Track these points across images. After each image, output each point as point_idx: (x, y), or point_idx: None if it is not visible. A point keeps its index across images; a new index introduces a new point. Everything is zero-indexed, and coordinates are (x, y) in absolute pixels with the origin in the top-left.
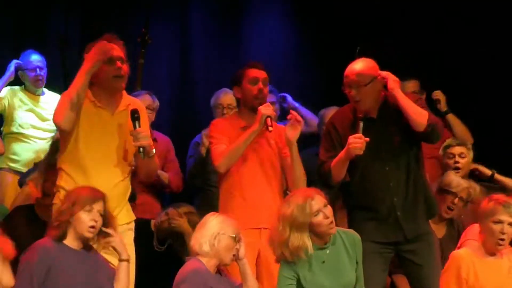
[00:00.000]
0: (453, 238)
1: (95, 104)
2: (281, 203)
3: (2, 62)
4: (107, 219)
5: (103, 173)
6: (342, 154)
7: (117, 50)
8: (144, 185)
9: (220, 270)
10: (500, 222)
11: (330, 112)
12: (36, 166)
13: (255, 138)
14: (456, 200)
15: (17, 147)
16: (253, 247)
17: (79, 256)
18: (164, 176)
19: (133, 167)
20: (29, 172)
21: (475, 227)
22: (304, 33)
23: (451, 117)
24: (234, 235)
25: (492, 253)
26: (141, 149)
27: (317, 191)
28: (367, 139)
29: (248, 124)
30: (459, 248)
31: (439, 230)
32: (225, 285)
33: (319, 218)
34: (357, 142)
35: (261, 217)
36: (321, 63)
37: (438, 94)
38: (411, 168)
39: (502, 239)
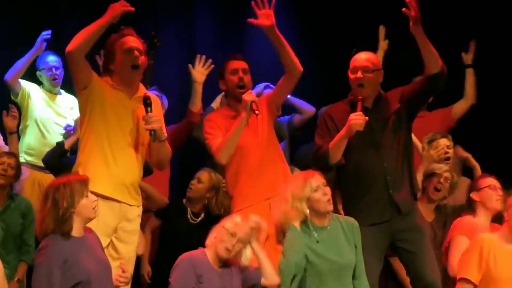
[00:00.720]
0: (442, 222)
1: (114, 87)
2: (284, 167)
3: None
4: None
5: (127, 156)
6: (341, 132)
7: (135, 41)
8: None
9: (231, 264)
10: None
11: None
12: (58, 145)
13: (251, 123)
14: (442, 180)
15: (34, 140)
16: (265, 219)
17: (83, 241)
18: None
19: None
20: (49, 153)
21: (463, 221)
22: (304, 35)
23: (470, 72)
24: (229, 229)
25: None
26: (152, 132)
27: (318, 172)
28: (366, 118)
29: (236, 113)
30: (447, 241)
31: (429, 214)
32: (222, 279)
33: (318, 194)
34: (358, 118)
35: (268, 189)
36: (320, 63)
37: (472, 45)
38: (402, 152)
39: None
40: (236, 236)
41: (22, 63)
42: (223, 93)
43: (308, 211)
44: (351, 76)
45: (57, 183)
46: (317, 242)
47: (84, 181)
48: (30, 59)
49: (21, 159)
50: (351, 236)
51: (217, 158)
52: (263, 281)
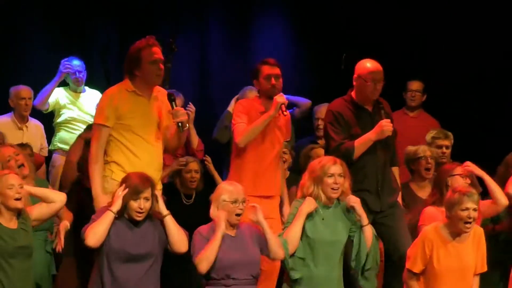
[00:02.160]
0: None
1: (135, 93)
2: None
3: (53, 66)
4: (153, 196)
5: (149, 151)
6: (371, 135)
7: (159, 53)
8: None
9: (238, 226)
10: (467, 209)
11: (322, 108)
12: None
13: (270, 122)
14: (429, 159)
15: (64, 134)
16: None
17: (128, 226)
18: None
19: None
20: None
21: (429, 211)
22: (302, 44)
23: None
24: (229, 199)
25: (458, 234)
26: (180, 124)
27: (342, 163)
28: (392, 128)
29: (265, 109)
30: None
31: (423, 191)
32: (237, 239)
33: (330, 180)
34: (389, 125)
35: (265, 187)
36: (315, 68)
37: None
38: (390, 155)
39: (469, 222)
40: (238, 201)
41: (47, 91)
42: (237, 96)
43: (322, 194)
44: (370, 84)
45: (129, 175)
46: (322, 219)
47: (142, 186)
48: (55, 86)
49: (56, 147)
50: (349, 220)
51: (236, 141)
52: (270, 254)
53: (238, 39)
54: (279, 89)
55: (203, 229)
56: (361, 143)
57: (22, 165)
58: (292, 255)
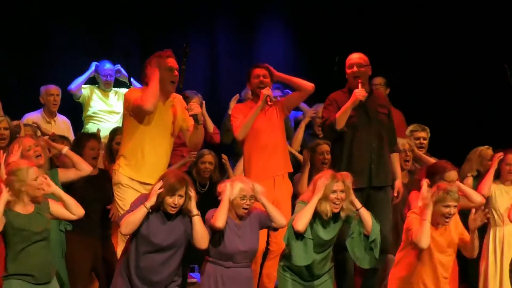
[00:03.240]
0: (414, 182)
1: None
2: (286, 153)
3: (80, 68)
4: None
5: (160, 150)
6: (348, 103)
7: (174, 62)
8: None
9: (248, 215)
10: (448, 206)
11: (319, 108)
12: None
13: (268, 114)
14: (408, 152)
15: (92, 126)
16: (269, 194)
17: (162, 219)
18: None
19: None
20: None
21: (415, 197)
22: (300, 48)
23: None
24: (239, 195)
25: (437, 224)
26: (195, 116)
27: (349, 178)
28: (366, 93)
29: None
30: (408, 217)
31: (404, 178)
32: (241, 228)
33: (332, 196)
34: (361, 91)
35: (274, 168)
36: (312, 70)
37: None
38: (384, 138)
39: (449, 217)
40: (246, 197)
41: (82, 80)
42: (236, 95)
43: (329, 208)
44: (348, 71)
45: (167, 174)
46: (322, 227)
47: (178, 184)
48: (87, 77)
49: None
50: (346, 219)
51: (236, 135)
52: (273, 224)
53: (243, 45)
54: (265, 85)
55: (215, 210)
56: (341, 113)
57: (40, 155)
58: (301, 237)
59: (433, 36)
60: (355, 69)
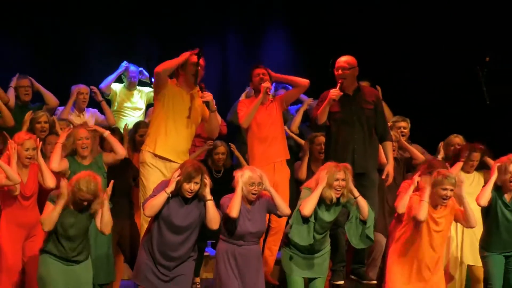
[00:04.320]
0: (400, 168)
1: (178, 85)
2: (284, 142)
3: (106, 69)
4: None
5: (181, 132)
6: (324, 103)
7: (195, 58)
8: None
9: (257, 200)
10: (446, 189)
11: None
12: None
13: (269, 109)
14: (393, 143)
15: (118, 120)
16: (270, 178)
17: (180, 203)
18: None
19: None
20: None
21: (406, 187)
22: (299, 52)
23: None
24: (248, 181)
25: (435, 206)
26: (207, 103)
27: (349, 168)
28: (341, 93)
29: None
30: (399, 200)
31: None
32: (250, 212)
33: (335, 183)
34: (335, 92)
35: (274, 155)
36: (309, 71)
37: None
38: (370, 131)
39: (446, 199)
40: (255, 184)
41: (112, 79)
42: (246, 90)
43: (333, 194)
44: (336, 73)
45: (185, 163)
46: (326, 210)
47: (195, 172)
48: (115, 78)
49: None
50: (344, 204)
51: (241, 124)
52: (278, 212)
53: (250, 48)
54: (265, 81)
55: (229, 196)
56: (320, 110)
57: (86, 147)
58: (306, 221)
59: (430, 36)
60: (340, 71)
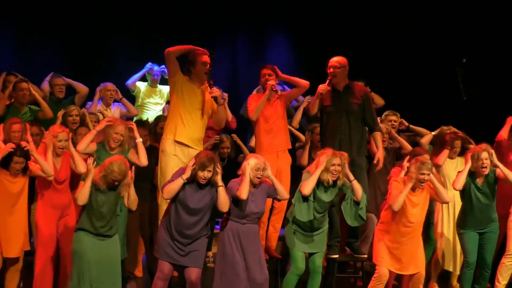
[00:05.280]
0: (390, 157)
1: (190, 81)
2: (287, 134)
3: (131, 69)
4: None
5: (196, 122)
6: (314, 96)
7: (207, 59)
8: None
9: (260, 185)
10: (423, 173)
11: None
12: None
13: (274, 105)
14: (384, 134)
15: (140, 113)
16: (274, 165)
17: (195, 188)
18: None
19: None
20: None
21: (396, 172)
22: (299, 54)
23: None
24: (254, 167)
25: (414, 189)
26: (215, 98)
27: (344, 155)
28: (329, 87)
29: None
30: (390, 184)
31: (381, 153)
32: (254, 195)
33: (331, 168)
34: (322, 87)
35: (277, 145)
36: (308, 71)
37: None
38: (357, 123)
39: (423, 182)
40: (260, 169)
41: (137, 77)
42: (257, 88)
43: (330, 178)
44: (328, 71)
45: (200, 153)
46: (324, 192)
47: (208, 162)
48: (141, 75)
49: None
50: (340, 188)
51: (250, 117)
52: (278, 196)
53: (257, 50)
54: (270, 80)
55: (236, 180)
56: (312, 103)
57: (117, 142)
58: (306, 199)
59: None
60: (331, 70)
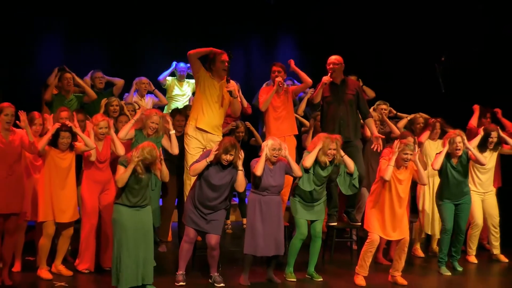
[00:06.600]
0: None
1: (211, 77)
2: (293, 121)
3: (162, 65)
4: (236, 154)
5: (214, 111)
6: (318, 86)
7: (226, 57)
8: None
9: (277, 162)
10: (406, 153)
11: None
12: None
13: (282, 97)
14: (376, 121)
15: (170, 104)
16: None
17: (218, 168)
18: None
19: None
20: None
21: (387, 153)
22: (304, 54)
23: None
24: (271, 147)
25: (399, 167)
26: (231, 92)
27: (339, 139)
28: (331, 79)
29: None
30: (380, 161)
31: (378, 134)
32: (272, 172)
33: (329, 151)
34: (326, 77)
35: (284, 131)
36: (312, 68)
37: None
38: (353, 110)
39: (406, 161)
40: (276, 149)
41: (167, 73)
42: (266, 82)
43: (327, 159)
44: (328, 67)
45: (224, 139)
46: (321, 169)
47: (231, 146)
48: (170, 72)
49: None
50: (335, 165)
51: (260, 108)
52: (293, 173)
53: (267, 51)
54: (278, 76)
55: (256, 159)
56: (316, 92)
57: (153, 130)
58: (307, 171)
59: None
60: (330, 66)
